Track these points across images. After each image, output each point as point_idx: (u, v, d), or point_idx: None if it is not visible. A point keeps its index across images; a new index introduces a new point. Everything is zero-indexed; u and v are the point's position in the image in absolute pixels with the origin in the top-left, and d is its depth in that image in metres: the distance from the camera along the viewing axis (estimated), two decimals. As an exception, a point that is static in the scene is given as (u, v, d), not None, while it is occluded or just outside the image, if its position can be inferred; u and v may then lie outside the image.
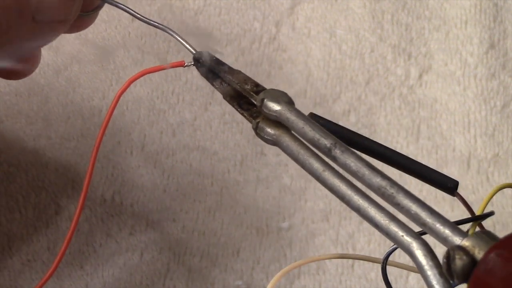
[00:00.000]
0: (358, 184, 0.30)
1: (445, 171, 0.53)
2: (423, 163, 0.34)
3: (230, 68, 0.35)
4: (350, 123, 0.54)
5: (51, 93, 0.54)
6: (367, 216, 0.29)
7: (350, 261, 0.51)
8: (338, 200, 0.52)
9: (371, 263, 0.48)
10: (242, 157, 0.53)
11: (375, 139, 0.55)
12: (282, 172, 0.53)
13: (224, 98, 0.35)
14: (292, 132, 0.32)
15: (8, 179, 0.51)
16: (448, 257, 0.25)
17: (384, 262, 0.33)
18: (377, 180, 0.29)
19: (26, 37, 0.32)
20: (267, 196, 0.52)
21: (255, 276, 0.50)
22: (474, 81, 0.56)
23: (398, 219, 0.28)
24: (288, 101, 0.32)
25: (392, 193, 0.28)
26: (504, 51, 0.57)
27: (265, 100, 0.32)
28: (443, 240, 0.27)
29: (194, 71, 0.55)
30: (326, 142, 0.30)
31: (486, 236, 0.25)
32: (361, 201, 0.29)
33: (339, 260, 0.50)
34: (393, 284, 0.34)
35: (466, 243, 0.26)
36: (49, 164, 0.52)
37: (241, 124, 0.54)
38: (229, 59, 0.56)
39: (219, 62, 0.35)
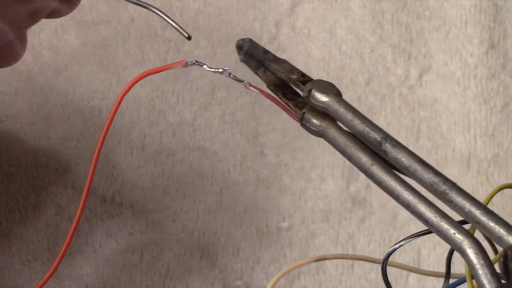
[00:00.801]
0: (409, 180, 0.29)
1: (445, 171, 0.53)
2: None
3: (275, 56, 0.34)
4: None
5: (51, 93, 0.54)
6: (417, 212, 0.28)
7: (350, 261, 0.51)
8: (338, 200, 0.52)
9: (371, 263, 0.48)
10: (242, 157, 0.53)
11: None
12: (282, 172, 0.53)
13: (268, 87, 0.34)
14: (339, 124, 0.31)
15: (8, 179, 0.51)
16: (506, 256, 0.25)
17: (384, 262, 0.33)
18: (429, 176, 0.28)
19: (7, 19, 0.32)
20: (267, 196, 0.52)
21: (255, 276, 0.50)
22: (474, 81, 0.56)
23: (449, 216, 0.27)
24: (336, 93, 0.31)
25: (445, 189, 0.28)
26: (504, 51, 0.57)
27: (313, 90, 0.31)
28: (497, 239, 0.26)
29: (194, 71, 0.55)
30: (376, 135, 0.30)
31: None
32: (411, 197, 0.28)
33: (339, 260, 0.50)
34: (393, 284, 0.34)
35: None
36: (49, 164, 0.52)
37: (241, 124, 0.54)
38: (229, 59, 0.56)
39: (263, 50, 0.35)
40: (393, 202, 0.52)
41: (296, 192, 0.53)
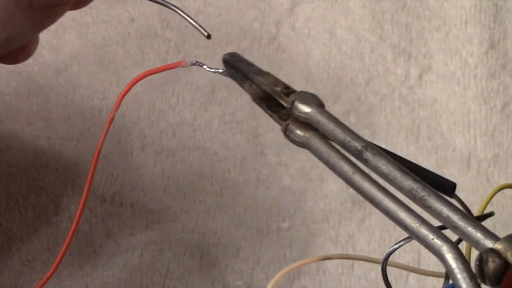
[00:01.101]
0: (389, 187, 0.30)
1: (445, 171, 0.53)
2: (423, 163, 0.34)
3: (259, 69, 0.35)
4: (350, 123, 0.54)
5: (51, 93, 0.54)
6: (397, 219, 0.28)
7: (350, 261, 0.51)
8: (338, 200, 0.52)
9: (371, 263, 0.48)
10: (242, 157, 0.53)
11: (375, 140, 0.55)
12: (282, 172, 0.53)
13: (253, 99, 0.35)
14: (322, 134, 0.32)
15: (8, 179, 0.51)
16: (481, 259, 0.25)
17: (384, 263, 0.33)
18: (408, 183, 0.29)
19: (25, 23, 0.32)
20: (267, 196, 0.52)
21: (255, 276, 0.50)
22: (474, 81, 0.56)
23: (428, 222, 0.28)
24: (319, 104, 0.32)
25: (424, 196, 0.28)
26: (504, 51, 0.57)
27: (295, 102, 0.32)
28: (475, 243, 0.27)
29: (194, 71, 0.55)
30: (357, 144, 0.30)
31: None
32: (391, 204, 0.29)
33: (339, 260, 0.50)
34: (393, 284, 0.34)
35: (498, 246, 0.26)
36: (49, 164, 0.52)
37: (241, 124, 0.54)
38: (229, 59, 0.56)
39: (248, 63, 0.35)
40: (393, 202, 0.52)
41: (296, 192, 0.53)
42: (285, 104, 0.33)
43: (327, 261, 0.50)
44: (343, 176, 0.30)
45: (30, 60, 0.54)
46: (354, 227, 0.52)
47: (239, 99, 0.55)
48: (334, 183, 0.53)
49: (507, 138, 0.55)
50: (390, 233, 0.52)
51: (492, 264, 0.25)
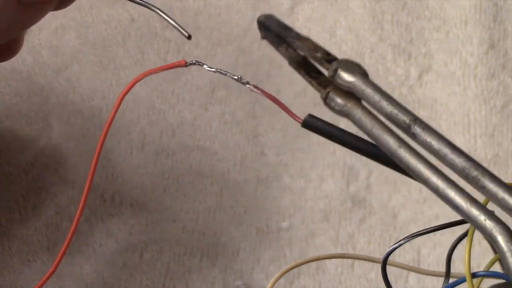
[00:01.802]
0: (440, 165, 0.28)
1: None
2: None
3: (298, 34, 0.34)
4: (350, 123, 0.54)
5: (51, 93, 0.54)
6: (446, 198, 0.27)
7: (350, 261, 0.51)
8: (338, 200, 0.52)
9: (371, 263, 0.48)
10: (242, 157, 0.53)
11: (375, 139, 0.55)
12: (282, 172, 0.53)
13: (290, 64, 0.33)
14: (365, 105, 0.30)
15: (8, 179, 0.51)
16: None
17: (384, 262, 0.33)
18: (460, 161, 0.27)
19: (13, 20, 0.33)
20: (267, 196, 0.52)
21: (255, 276, 0.50)
22: (474, 81, 0.56)
23: (480, 202, 0.26)
24: (363, 73, 0.30)
25: (477, 175, 0.27)
26: (504, 51, 0.57)
27: (339, 70, 0.30)
28: None
29: (194, 71, 0.55)
30: (405, 117, 0.29)
31: None
32: (440, 182, 0.27)
33: (339, 260, 0.50)
34: (393, 284, 0.34)
35: None
36: (49, 164, 0.52)
37: (241, 124, 0.54)
38: (229, 59, 0.56)
39: (286, 27, 0.34)
40: (393, 202, 0.53)
41: (296, 192, 0.53)
42: (325, 71, 0.32)
43: (327, 261, 0.50)
44: (388, 150, 0.28)
45: (30, 60, 0.54)
46: (354, 227, 0.52)
47: (239, 99, 0.54)
48: (334, 183, 0.53)
49: (507, 138, 0.55)
50: (390, 233, 0.52)
51: None
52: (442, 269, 0.34)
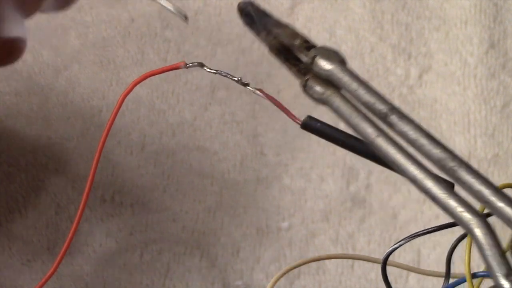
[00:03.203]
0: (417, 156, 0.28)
1: (445, 171, 0.53)
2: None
3: (277, 21, 0.33)
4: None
5: (51, 93, 0.54)
6: (424, 188, 0.26)
7: (350, 261, 0.51)
8: (338, 200, 0.52)
9: (371, 263, 0.48)
10: (242, 157, 0.53)
11: (375, 139, 0.55)
12: (282, 172, 0.53)
13: (270, 51, 0.33)
14: (344, 93, 0.30)
15: (8, 179, 0.51)
16: None
17: (384, 262, 0.33)
18: (437, 152, 0.27)
19: (12, 11, 0.33)
20: (267, 196, 0.52)
21: (255, 276, 0.50)
22: (474, 81, 0.56)
23: (457, 193, 0.26)
24: (341, 61, 0.30)
25: (453, 166, 0.26)
26: (504, 51, 0.57)
27: (316, 57, 0.30)
28: (507, 220, 0.25)
29: (194, 71, 0.55)
30: (382, 107, 0.28)
31: None
32: (417, 172, 0.27)
33: (339, 260, 0.50)
34: (393, 284, 0.34)
35: None
36: (49, 164, 0.52)
37: (241, 124, 0.54)
38: (229, 59, 0.56)
39: (265, 14, 0.34)
40: (393, 202, 0.52)
41: (296, 192, 0.53)
42: (304, 59, 0.32)
43: (327, 261, 0.50)
44: (367, 138, 0.28)
45: (30, 60, 0.54)
46: (354, 227, 0.52)
47: (239, 99, 0.55)
48: (334, 183, 0.53)
49: (507, 138, 0.55)
50: (390, 233, 0.52)
51: None
52: (442, 269, 0.34)
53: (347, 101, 0.30)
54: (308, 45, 0.31)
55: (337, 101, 0.30)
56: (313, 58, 0.30)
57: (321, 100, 0.30)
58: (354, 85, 0.29)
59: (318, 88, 0.30)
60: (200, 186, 0.52)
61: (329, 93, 0.30)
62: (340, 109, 0.30)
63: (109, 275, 0.49)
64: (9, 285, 0.49)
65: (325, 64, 0.30)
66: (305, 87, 0.31)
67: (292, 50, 0.32)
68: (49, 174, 0.51)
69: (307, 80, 0.31)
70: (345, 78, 0.29)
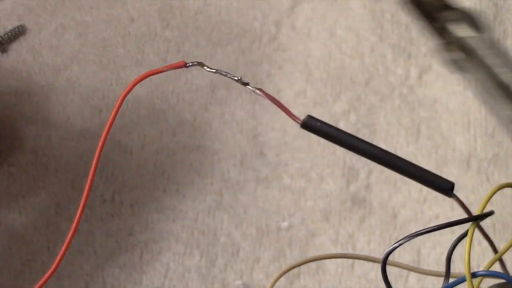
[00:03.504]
0: None
1: (445, 171, 0.53)
2: (423, 163, 0.33)
3: None
4: (350, 123, 0.54)
5: (51, 93, 0.54)
6: None
7: (350, 261, 0.51)
8: (338, 200, 0.52)
9: (371, 262, 0.48)
10: (242, 157, 0.53)
11: (375, 139, 0.55)
12: (282, 172, 0.53)
13: (410, 2, 0.33)
14: (481, 59, 0.29)
15: (8, 179, 0.51)
16: None
17: (384, 262, 0.33)
18: None
19: None
20: (267, 196, 0.52)
21: (255, 276, 0.50)
22: (474, 81, 0.56)
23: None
24: (482, 29, 0.29)
25: None
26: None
27: (456, 21, 0.29)
28: None
29: (194, 71, 0.55)
30: None
31: None
32: None
33: (339, 260, 0.50)
34: (393, 284, 0.33)
35: None
36: (49, 164, 0.52)
37: (241, 124, 0.54)
38: (229, 59, 0.56)
39: None
40: (393, 202, 0.52)
41: (296, 192, 0.53)
42: (444, 23, 0.31)
43: (327, 261, 0.50)
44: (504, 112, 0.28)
45: (30, 60, 0.54)
46: (354, 226, 0.52)
47: (239, 99, 0.55)
48: (334, 183, 0.53)
49: (507, 138, 0.55)
50: (390, 232, 0.52)
51: None
52: (442, 269, 0.34)
53: (483, 68, 0.29)
54: (447, 5, 0.30)
55: (472, 67, 0.29)
56: (455, 21, 0.29)
57: (457, 64, 0.29)
58: (491, 60, 0.28)
59: (456, 53, 0.29)
60: (200, 186, 0.52)
61: (465, 60, 0.29)
62: (476, 74, 0.29)
63: (109, 275, 0.49)
64: (9, 285, 0.49)
65: (463, 31, 0.29)
66: (444, 49, 0.30)
67: (430, 8, 0.31)
68: (49, 174, 0.51)
69: (445, 42, 0.30)
70: (483, 48, 0.28)
